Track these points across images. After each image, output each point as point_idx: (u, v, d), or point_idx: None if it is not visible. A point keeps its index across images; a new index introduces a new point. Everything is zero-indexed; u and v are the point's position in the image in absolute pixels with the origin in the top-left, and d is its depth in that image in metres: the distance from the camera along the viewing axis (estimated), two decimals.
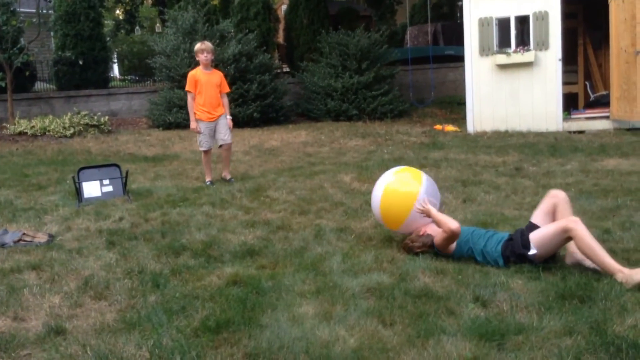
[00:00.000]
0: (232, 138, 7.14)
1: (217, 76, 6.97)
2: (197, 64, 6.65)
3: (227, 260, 4.09)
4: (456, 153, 8.65)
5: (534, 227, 3.76)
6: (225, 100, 7.00)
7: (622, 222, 4.57)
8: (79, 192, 6.12)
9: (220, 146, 7.08)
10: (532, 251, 3.61)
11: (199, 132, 6.85)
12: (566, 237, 3.52)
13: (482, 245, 3.82)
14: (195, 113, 6.81)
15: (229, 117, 7.00)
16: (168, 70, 13.09)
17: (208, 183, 6.89)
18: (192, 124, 6.84)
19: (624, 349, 2.52)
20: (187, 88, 6.83)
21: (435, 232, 4.03)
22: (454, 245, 3.92)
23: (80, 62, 14.80)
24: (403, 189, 4.23)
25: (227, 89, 7.08)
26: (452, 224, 3.83)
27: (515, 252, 3.69)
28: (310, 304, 3.23)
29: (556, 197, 3.83)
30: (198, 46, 6.85)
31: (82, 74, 14.99)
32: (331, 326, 2.93)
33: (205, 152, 6.95)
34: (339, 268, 3.81)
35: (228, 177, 7.14)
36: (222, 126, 6.92)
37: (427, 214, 4.02)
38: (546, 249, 3.62)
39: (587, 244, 3.42)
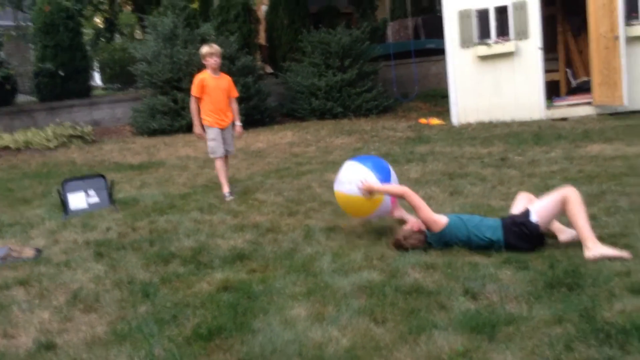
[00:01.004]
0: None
1: (226, 81, 6.61)
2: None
3: (217, 266, 4.08)
4: (442, 146, 8.69)
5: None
6: (235, 106, 6.67)
7: (607, 207, 4.61)
8: (64, 204, 6.07)
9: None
10: (534, 218, 3.75)
11: (203, 138, 6.50)
12: (563, 205, 3.74)
13: (477, 221, 3.95)
14: (204, 119, 6.43)
15: (238, 123, 6.69)
16: (150, 77, 13.02)
17: (227, 195, 6.31)
18: (197, 129, 6.47)
19: (613, 335, 2.54)
20: (193, 92, 6.42)
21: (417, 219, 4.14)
22: (442, 218, 3.99)
23: (61, 73, 14.68)
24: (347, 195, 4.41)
25: (236, 94, 6.76)
26: (400, 188, 4.14)
27: (516, 222, 3.81)
28: (302, 306, 3.23)
29: (568, 194, 3.79)
30: (206, 49, 6.42)
31: (64, 84, 14.88)
32: (324, 327, 2.93)
33: (219, 159, 6.49)
34: (329, 268, 3.82)
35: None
36: (229, 135, 6.58)
37: (371, 190, 4.20)
38: (546, 219, 3.78)
39: (578, 209, 3.66)
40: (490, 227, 3.87)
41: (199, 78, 6.43)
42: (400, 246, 4.08)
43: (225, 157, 6.61)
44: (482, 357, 2.51)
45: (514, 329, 2.73)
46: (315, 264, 3.92)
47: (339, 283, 3.50)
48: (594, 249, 3.54)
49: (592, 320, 2.72)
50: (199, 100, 6.43)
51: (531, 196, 4.22)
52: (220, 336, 2.93)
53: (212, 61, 6.41)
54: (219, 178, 6.55)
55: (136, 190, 7.16)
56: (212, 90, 6.40)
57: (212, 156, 6.59)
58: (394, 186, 4.24)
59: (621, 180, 5.46)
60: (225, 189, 6.40)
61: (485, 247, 3.84)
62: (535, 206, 3.88)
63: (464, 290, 3.23)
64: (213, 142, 6.46)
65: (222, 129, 6.48)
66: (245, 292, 3.49)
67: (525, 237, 3.76)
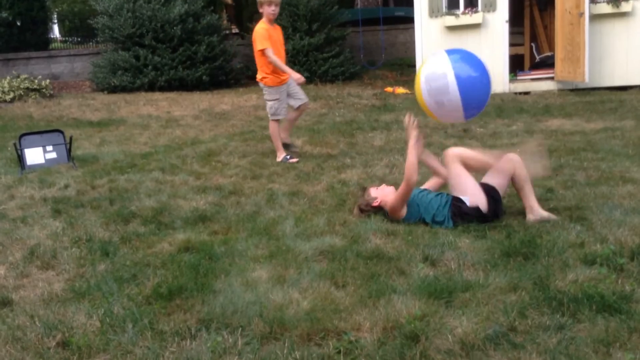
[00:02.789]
0: None
1: (280, 32, 6.13)
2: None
3: (178, 227, 4.05)
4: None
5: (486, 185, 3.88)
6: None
7: (564, 180, 4.73)
8: (21, 159, 5.91)
9: (298, 107, 6.24)
10: (471, 203, 3.78)
11: (303, 81, 5.95)
12: (510, 173, 3.86)
13: (434, 209, 3.88)
14: (263, 77, 5.96)
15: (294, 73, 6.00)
16: (111, 31, 12.65)
17: (287, 159, 5.92)
18: (295, 75, 5.86)
19: (565, 303, 2.63)
20: (262, 46, 5.78)
21: (388, 196, 4.06)
22: (404, 211, 3.97)
23: (18, 23, 14.14)
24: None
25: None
26: (410, 168, 3.79)
27: (461, 212, 3.80)
28: (264, 269, 3.24)
29: (512, 161, 3.91)
30: None
31: (21, 35, 14.34)
32: (284, 289, 2.95)
33: (275, 122, 6.05)
34: (291, 232, 3.83)
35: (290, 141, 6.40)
36: (293, 86, 6.06)
37: (409, 137, 3.94)
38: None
39: (525, 175, 3.84)
40: (438, 210, 3.86)
41: (263, 28, 5.84)
42: (361, 211, 4.10)
43: (303, 109, 6.27)
44: (439, 321, 2.57)
45: (471, 296, 2.80)
46: (277, 228, 3.93)
47: (300, 247, 3.52)
48: (537, 213, 3.80)
49: (546, 288, 2.81)
50: (260, 52, 5.84)
51: (463, 155, 4.00)
52: (180, 296, 2.92)
53: (271, 10, 5.84)
54: (273, 142, 6.13)
55: (96, 147, 7.01)
56: (273, 44, 5.86)
57: (272, 118, 6.05)
58: (410, 161, 3.85)
59: (579, 155, 5.60)
60: (283, 153, 6.00)
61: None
62: (469, 187, 3.86)
63: (424, 257, 3.29)
64: (276, 102, 5.98)
65: (285, 84, 6.02)
66: (207, 253, 3.48)
67: (473, 219, 3.81)
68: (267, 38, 5.80)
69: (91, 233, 3.92)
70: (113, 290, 3.02)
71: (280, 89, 5.98)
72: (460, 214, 3.80)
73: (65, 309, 2.83)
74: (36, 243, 3.77)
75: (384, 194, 4.08)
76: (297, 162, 5.85)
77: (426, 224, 3.88)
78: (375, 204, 4.05)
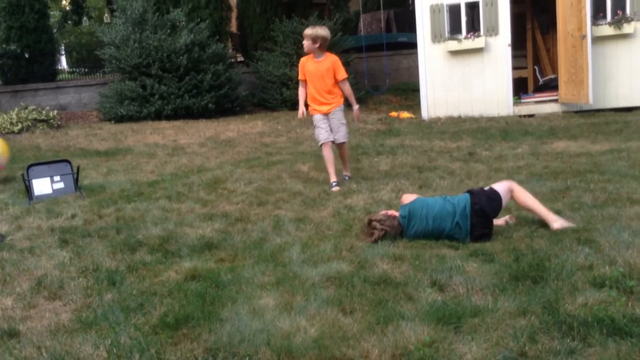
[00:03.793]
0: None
1: (327, 62, 6.10)
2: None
3: (185, 255, 4.05)
4: (412, 139, 8.75)
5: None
6: (346, 88, 6.23)
7: (571, 203, 4.71)
8: (28, 189, 5.94)
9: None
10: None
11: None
12: (510, 195, 4.16)
13: (437, 210, 4.05)
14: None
15: (354, 106, 6.38)
16: (118, 62, 12.78)
17: (333, 185, 5.86)
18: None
19: (575, 327, 2.61)
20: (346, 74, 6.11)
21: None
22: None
23: (27, 55, 14.33)
24: None
25: (344, 75, 6.21)
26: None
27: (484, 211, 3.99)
28: (271, 296, 3.23)
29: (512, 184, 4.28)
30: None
31: (29, 67, 14.52)
32: (292, 317, 2.94)
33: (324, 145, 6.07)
34: (298, 258, 3.82)
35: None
36: (333, 120, 6.13)
37: None
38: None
39: (528, 197, 4.17)
40: (449, 214, 4.01)
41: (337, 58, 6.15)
42: (371, 228, 4.09)
43: (335, 143, 6.13)
44: (448, 347, 2.54)
45: (480, 321, 2.77)
46: (284, 254, 3.92)
47: (307, 273, 3.51)
48: (559, 223, 4.07)
49: (556, 312, 2.78)
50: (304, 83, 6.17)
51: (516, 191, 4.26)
52: (187, 325, 2.91)
53: (304, 44, 6.04)
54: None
55: (103, 177, 7.05)
56: (310, 76, 6.04)
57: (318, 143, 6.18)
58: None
59: (585, 176, 5.58)
60: (332, 178, 5.95)
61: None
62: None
63: (431, 282, 3.27)
64: (315, 129, 6.16)
65: (324, 115, 6.08)
66: (214, 281, 3.47)
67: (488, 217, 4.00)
68: (301, 71, 6.13)
69: (98, 262, 3.92)
70: (120, 320, 3.02)
71: (317, 116, 6.12)
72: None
73: (72, 340, 2.82)
74: (43, 273, 3.77)
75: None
76: (337, 190, 5.79)
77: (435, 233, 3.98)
78: (390, 213, 4.16)
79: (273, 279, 3.49)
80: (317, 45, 5.93)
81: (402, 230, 4.08)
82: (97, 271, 3.78)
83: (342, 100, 6.17)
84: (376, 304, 3.03)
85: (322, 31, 5.98)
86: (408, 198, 4.29)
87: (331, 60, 6.05)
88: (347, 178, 6.25)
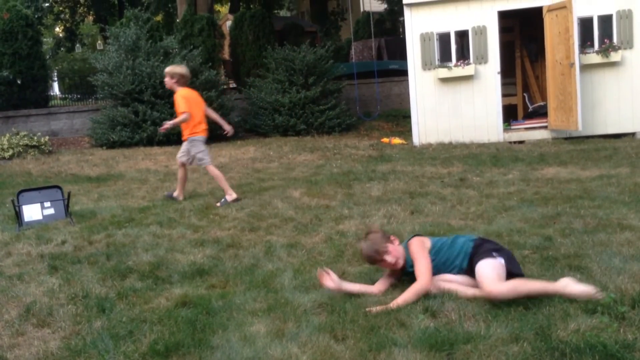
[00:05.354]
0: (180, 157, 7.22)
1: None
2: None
3: (175, 281, 4.02)
4: (403, 165, 8.79)
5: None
6: (178, 119, 7.19)
7: (562, 229, 4.72)
8: (19, 215, 5.90)
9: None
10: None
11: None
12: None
13: (444, 259, 3.61)
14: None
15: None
16: (111, 88, 12.83)
17: (232, 200, 6.64)
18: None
19: (568, 353, 2.60)
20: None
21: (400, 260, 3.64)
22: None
23: (19, 82, 14.38)
24: None
25: (180, 109, 7.04)
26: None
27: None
28: (262, 322, 3.20)
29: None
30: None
31: (21, 93, 14.56)
32: (283, 344, 2.91)
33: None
34: (290, 284, 3.80)
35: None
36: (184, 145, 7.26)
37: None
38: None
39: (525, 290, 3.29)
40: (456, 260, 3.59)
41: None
42: (372, 259, 3.64)
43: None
44: None
45: (472, 347, 2.76)
46: (276, 280, 3.90)
47: (299, 300, 3.48)
48: (569, 289, 3.26)
49: (548, 339, 2.77)
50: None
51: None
52: (177, 352, 2.88)
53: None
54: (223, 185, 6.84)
55: (93, 202, 7.02)
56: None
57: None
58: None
59: (576, 202, 5.61)
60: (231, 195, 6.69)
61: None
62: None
63: (424, 308, 3.26)
64: (201, 152, 7.11)
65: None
66: (205, 307, 3.44)
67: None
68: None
69: (87, 289, 3.89)
70: (109, 347, 2.98)
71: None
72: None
73: None
74: (32, 300, 3.73)
75: (398, 256, 3.63)
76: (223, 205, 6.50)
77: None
78: (390, 259, 3.60)
79: (264, 305, 3.46)
80: (174, 80, 6.85)
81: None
82: (86, 298, 3.74)
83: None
84: (368, 331, 3.01)
85: (180, 69, 6.94)
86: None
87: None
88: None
